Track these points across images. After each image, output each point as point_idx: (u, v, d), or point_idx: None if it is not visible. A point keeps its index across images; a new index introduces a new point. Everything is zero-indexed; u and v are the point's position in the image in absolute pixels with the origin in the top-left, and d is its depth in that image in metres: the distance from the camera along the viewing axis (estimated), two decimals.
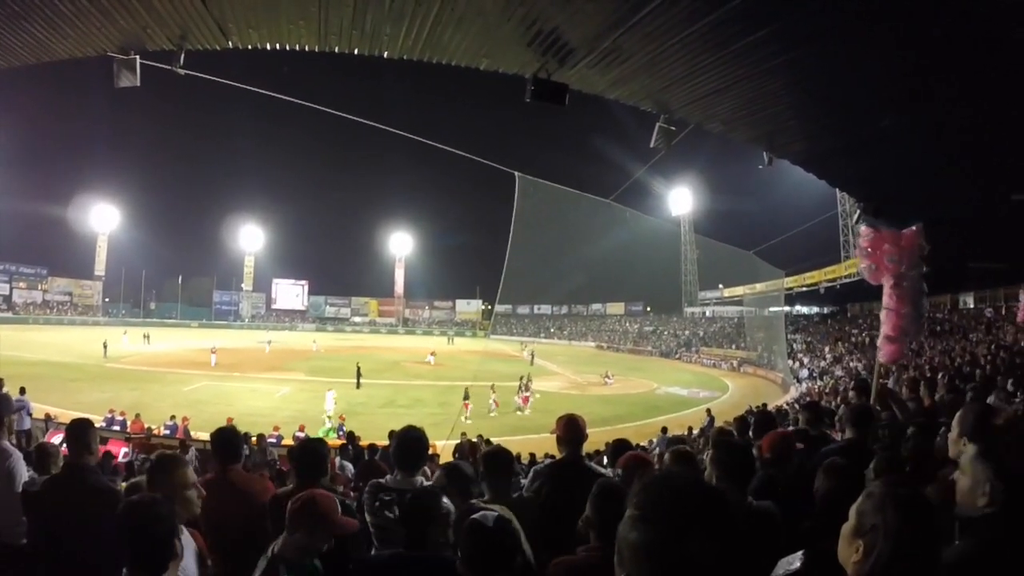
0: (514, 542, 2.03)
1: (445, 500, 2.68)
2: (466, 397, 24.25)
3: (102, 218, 79.71)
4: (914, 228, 5.24)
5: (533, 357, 47.81)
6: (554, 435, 3.77)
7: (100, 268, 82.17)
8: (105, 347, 38.80)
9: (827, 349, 35.51)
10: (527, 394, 26.68)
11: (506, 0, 6.14)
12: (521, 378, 27.99)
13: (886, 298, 5.20)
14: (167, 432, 15.66)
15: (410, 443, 3.24)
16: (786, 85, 7.70)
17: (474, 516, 2.11)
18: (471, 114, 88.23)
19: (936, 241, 14.13)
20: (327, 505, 2.48)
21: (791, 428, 6.10)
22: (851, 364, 30.31)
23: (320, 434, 16.73)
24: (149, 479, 2.82)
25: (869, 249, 5.41)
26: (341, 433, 15.69)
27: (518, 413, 25.42)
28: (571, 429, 3.70)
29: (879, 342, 5.24)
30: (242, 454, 3.92)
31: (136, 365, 34.90)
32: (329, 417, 20.67)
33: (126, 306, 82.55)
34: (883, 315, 5.27)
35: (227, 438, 3.75)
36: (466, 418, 23.00)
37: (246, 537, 3.02)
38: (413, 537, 2.51)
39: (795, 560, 2.08)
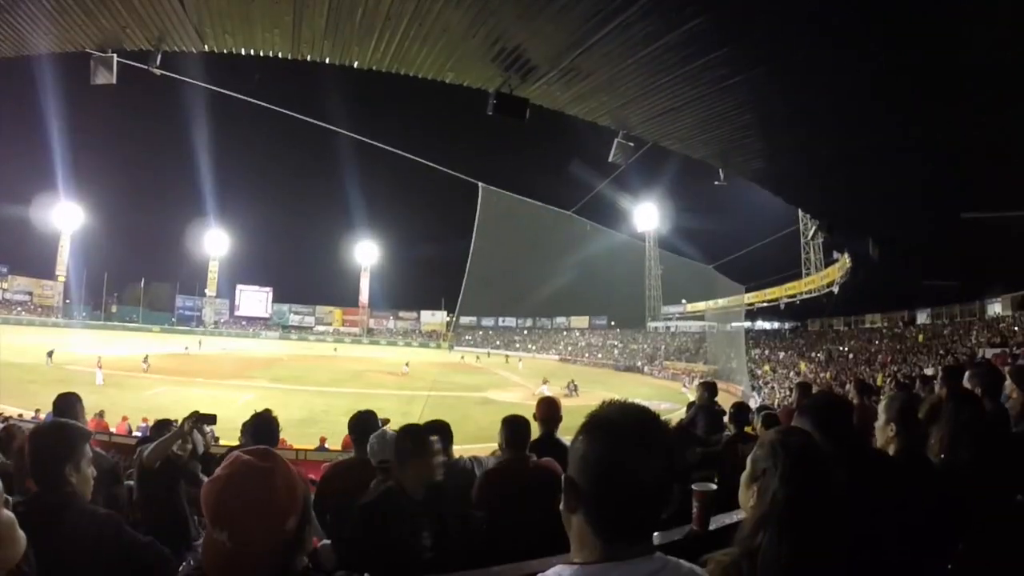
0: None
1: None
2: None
3: (65, 217, 76.95)
4: None
5: (518, 361, 48.10)
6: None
7: (61, 268, 79.37)
8: (50, 356, 36.44)
9: (783, 356, 36.27)
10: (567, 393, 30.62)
11: (471, 18, 6.50)
12: (571, 381, 34.10)
13: None
14: (138, 435, 15.37)
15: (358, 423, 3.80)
16: (737, 105, 8.16)
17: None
18: (437, 124, 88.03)
19: (891, 260, 14.44)
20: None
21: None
22: (811, 376, 31.11)
23: None
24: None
25: None
26: None
27: None
28: (547, 409, 4.11)
29: None
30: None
31: (93, 368, 34.00)
32: None
33: (87, 308, 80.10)
34: None
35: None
36: None
37: None
38: None
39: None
